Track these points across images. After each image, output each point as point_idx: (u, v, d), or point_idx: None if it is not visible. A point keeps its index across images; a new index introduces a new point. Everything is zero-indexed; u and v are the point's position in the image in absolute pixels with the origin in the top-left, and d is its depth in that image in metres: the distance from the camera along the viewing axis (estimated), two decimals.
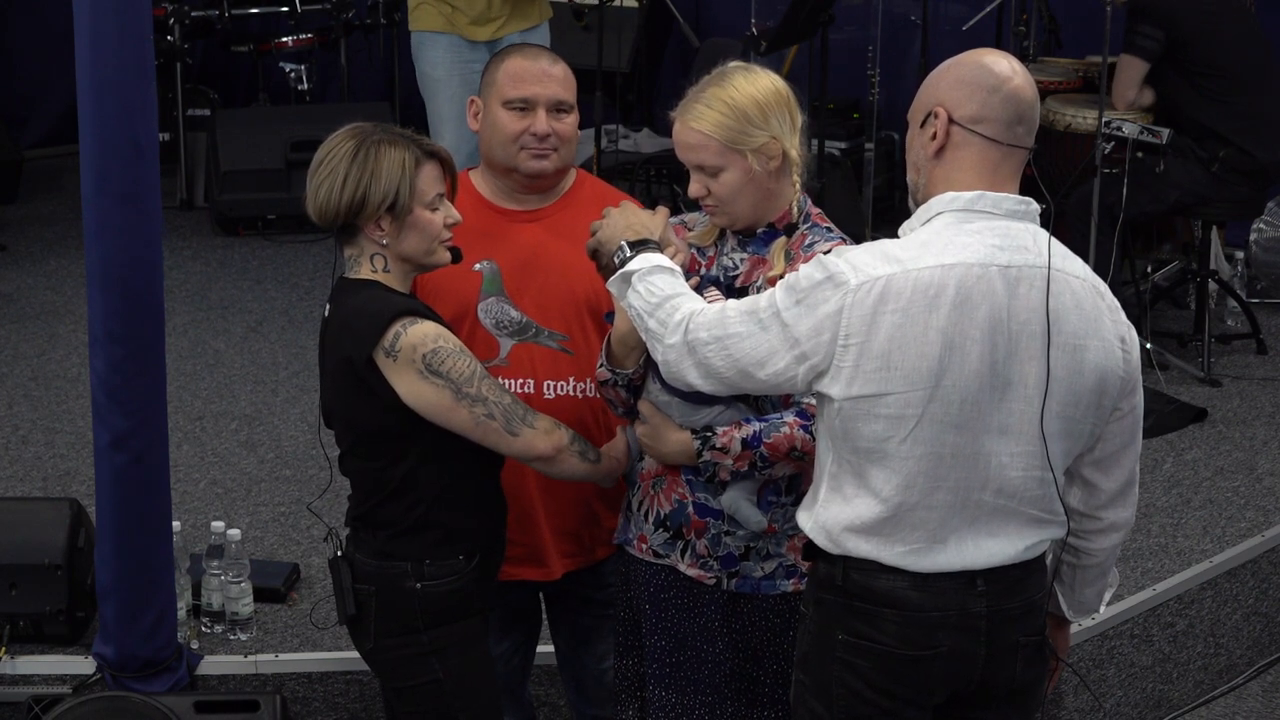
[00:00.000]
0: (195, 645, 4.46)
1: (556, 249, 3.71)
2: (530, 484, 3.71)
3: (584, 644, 3.98)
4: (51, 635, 4.44)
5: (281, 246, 7.70)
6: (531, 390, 3.69)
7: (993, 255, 2.98)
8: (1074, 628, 4.16)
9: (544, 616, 4.05)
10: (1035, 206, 3.08)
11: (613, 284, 3.27)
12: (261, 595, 4.61)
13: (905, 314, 2.94)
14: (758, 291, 3.28)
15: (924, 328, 2.94)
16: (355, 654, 3.67)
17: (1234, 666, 5.12)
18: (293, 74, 8.51)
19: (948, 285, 2.95)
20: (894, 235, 3.09)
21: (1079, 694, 4.63)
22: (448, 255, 3.47)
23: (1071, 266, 3.06)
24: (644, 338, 3.21)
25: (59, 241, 7.64)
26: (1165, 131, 6.20)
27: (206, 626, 4.53)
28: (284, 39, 8.61)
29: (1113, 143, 6.25)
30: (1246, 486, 5.49)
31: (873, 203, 7.53)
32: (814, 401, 3.18)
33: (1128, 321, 3.13)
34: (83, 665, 4.36)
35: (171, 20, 8.13)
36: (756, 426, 3.36)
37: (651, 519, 3.52)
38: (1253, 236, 7.11)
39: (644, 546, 3.54)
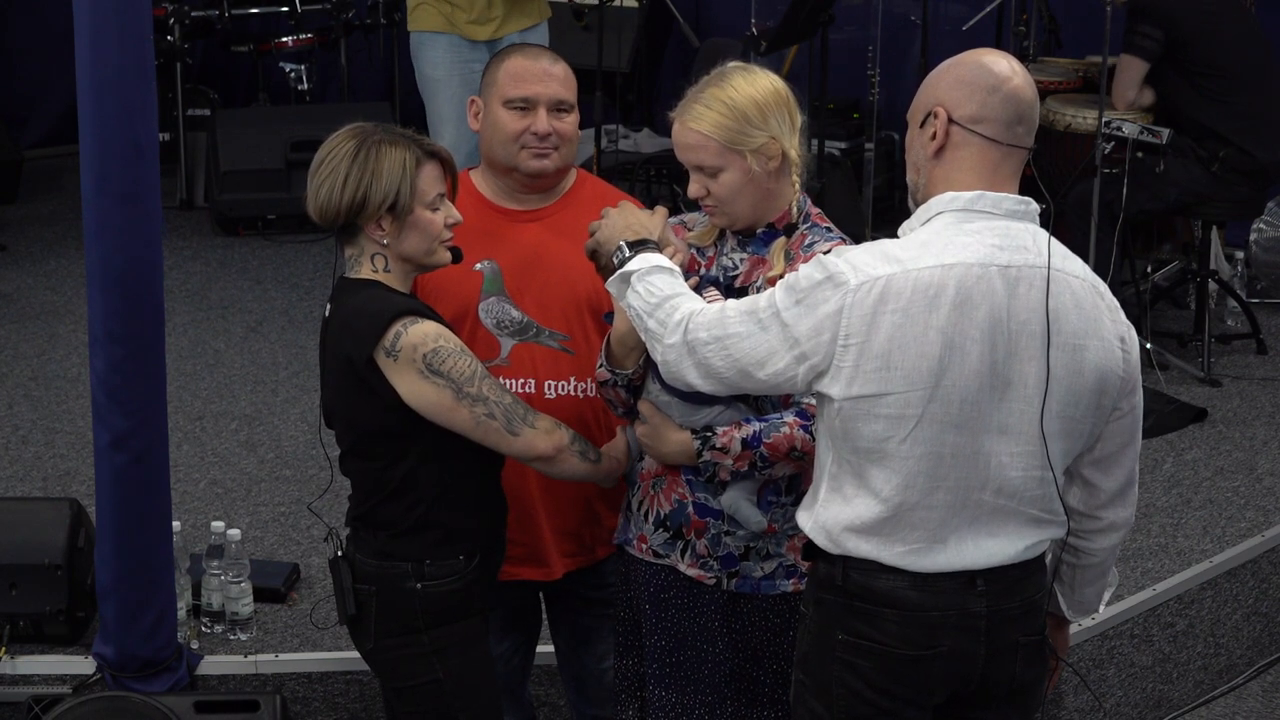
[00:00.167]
0: (195, 645, 4.46)
1: (557, 248, 3.71)
2: (531, 484, 3.71)
3: (584, 644, 3.98)
4: (51, 635, 4.44)
5: (281, 246, 7.70)
6: (532, 390, 3.69)
7: (992, 255, 2.98)
8: (1074, 628, 4.17)
9: (544, 616, 4.05)
10: (1035, 206, 3.08)
11: (612, 284, 3.27)
12: (261, 595, 4.61)
13: (905, 314, 2.94)
14: (757, 291, 3.28)
15: (924, 328, 2.94)
16: (355, 654, 3.67)
17: (1234, 666, 5.12)
18: (293, 74, 8.51)
19: (947, 285, 2.95)
20: (894, 235, 3.09)
21: (1079, 694, 4.64)
22: (448, 255, 3.47)
23: (1071, 266, 3.06)
24: (643, 338, 3.21)
25: (59, 241, 7.64)
26: (1165, 131, 6.20)
27: (206, 626, 4.53)
28: (284, 39, 8.61)
29: (1113, 143, 6.25)
30: (1246, 486, 5.49)
31: (873, 203, 7.53)
32: (814, 401, 3.18)
33: (1127, 321, 3.13)
34: (83, 665, 4.36)
35: (171, 20, 8.13)
36: (756, 426, 3.36)
37: (651, 519, 3.52)
38: (1253, 236, 7.11)
39: (644, 546, 3.54)
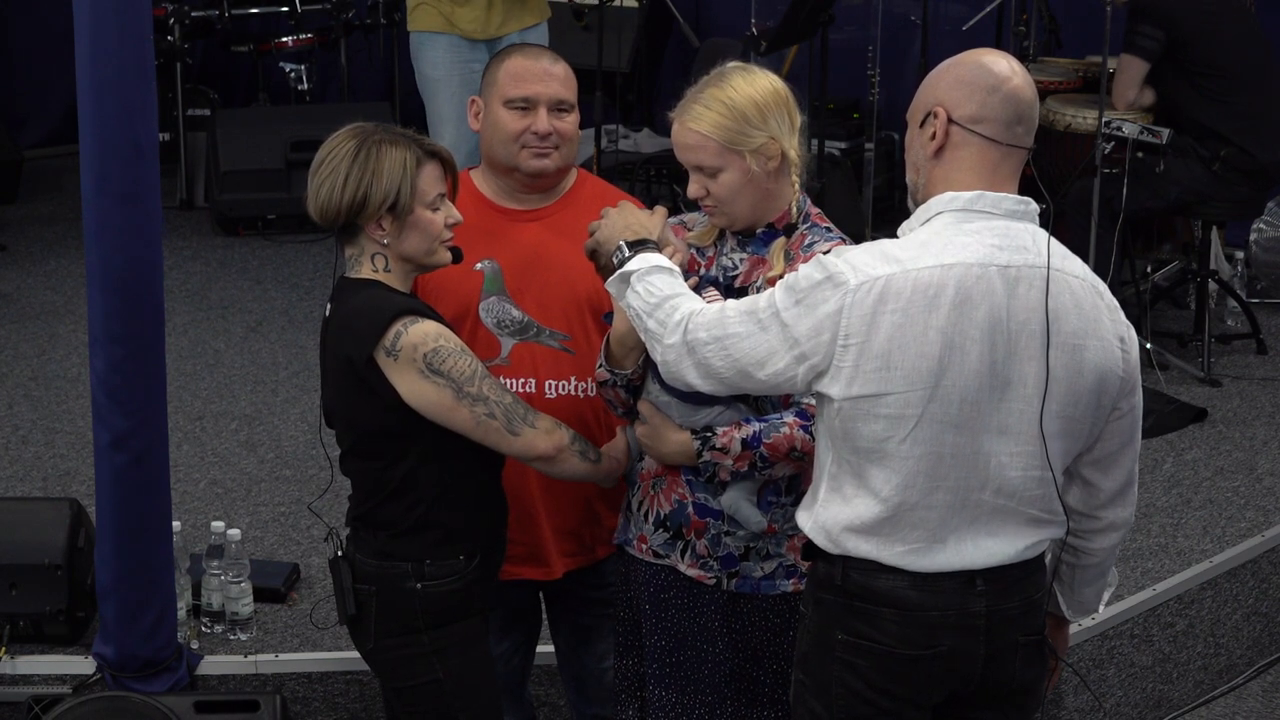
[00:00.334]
0: (195, 645, 4.46)
1: (558, 248, 3.71)
2: (531, 483, 3.71)
3: (584, 643, 3.98)
4: (51, 635, 4.44)
5: (281, 246, 7.70)
6: (533, 390, 3.69)
7: (992, 255, 2.98)
8: (1073, 627, 4.16)
9: (544, 616, 4.05)
10: (1034, 206, 3.08)
11: (611, 284, 3.27)
12: (261, 595, 4.61)
13: (905, 314, 2.94)
14: (757, 292, 3.28)
15: (923, 328, 2.94)
16: (355, 654, 3.67)
17: (1234, 666, 5.12)
18: (293, 74, 8.51)
19: (947, 285, 2.95)
20: (894, 235, 3.09)
21: (1079, 694, 4.63)
22: (448, 255, 3.47)
23: (1071, 266, 3.06)
24: (643, 338, 3.21)
25: (59, 241, 7.64)
26: (1165, 131, 6.20)
27: (206, 626, 4.53)
28: (284, 39, 8.61)
29: (1113, 143, 6.25)
30: (1246, 486, 5.49)
31: (873, 203, 7.53)
32: (813, 402, 3.18)
33: (1127, 321, 3.13)
34: (83, 665, 4.36)
35: (171, 20, 8.13)
36: (756, 427, 3.36)
37: (651, 519, 3.52)
38: (1253, 236, 7.11)
39: (644, 546, 3.54)
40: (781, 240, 3.42)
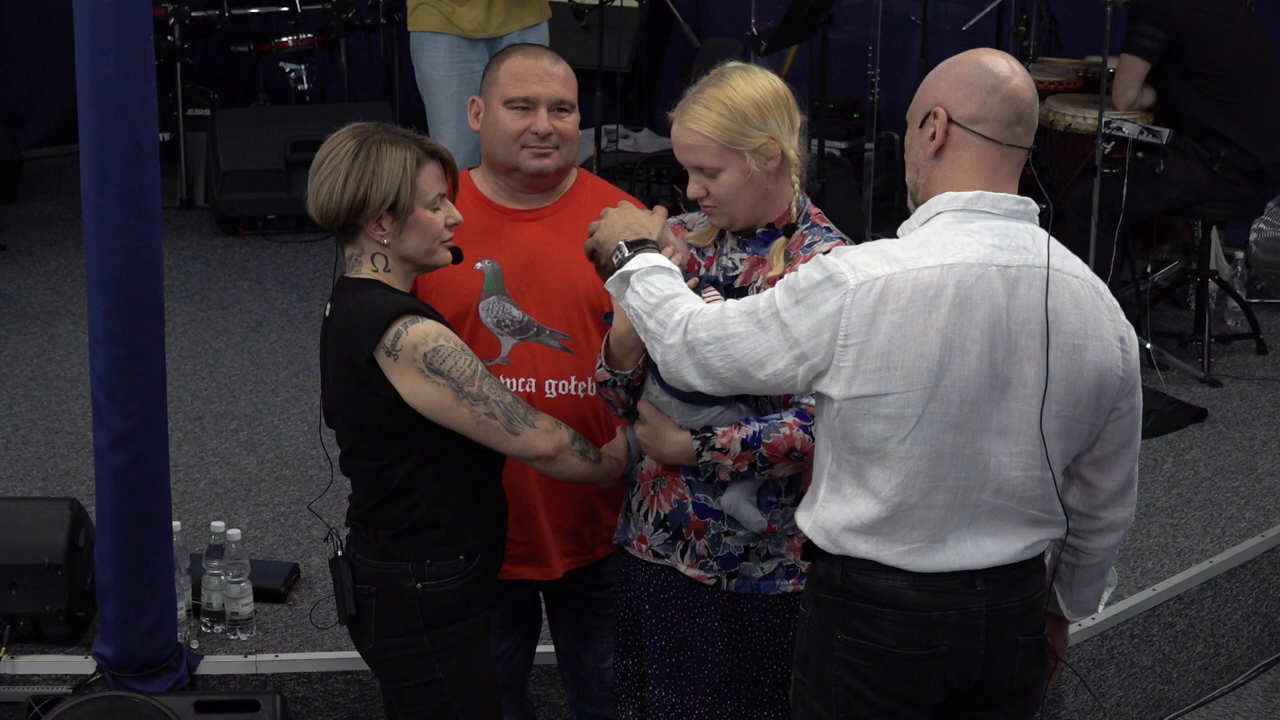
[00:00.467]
0: (195, 645, 4.46)
1: (558, 248, 3.71)
2: (532, 483, 3.71)
3: (584, 643, 3.98)
4: (51, 635, 4.44)
5: (281, 246, 7.70)
6: (533, 389, 3.69)
7: (992, 255, 2.98)
8: (1073, 627, 4.17)
9: (544, 616, 4.05)
10: (1034, 206, 3.08)
11: (611, 284, 3.27)
12: (261, 595, 4.61)
13: (905, 314, 2.94)
14: (757, 292, 3.28)
15: (923, 327, 2.94)
16: (355, 654, 3.67)
17: (1234, 666, 5.12)
18: (293, 74, 8.51)
19: (947, 285, 2.95)
20: (894, 235, 3.09)
21: (1079, 694, 4.63)
22: (448, 255, 3.47)
23: (1070, 266, 3.06)
24: (643, 338, 3.21)
25: (59, 241, 7.64)
26: (1165, 131, 6.21)
27: (206, 626, 4.53)
28: (284, 39, 8.62)
29: (1113, 143, 6.25)
30: (1246, 486, 5.49)
31: (873, 203, 7.53)
32: (813, 402, 3.18)
33: (1126, 321, 3.13)
34: (83, 665, 4.36)
35: (171, 20, 8.13)
36: (756, 427, 3.36)
37: (651, 519, 3.52)
38: (1253, 236, 7.11)
39: (644, 547, 3.54)
40: (781, 240, 3.42)
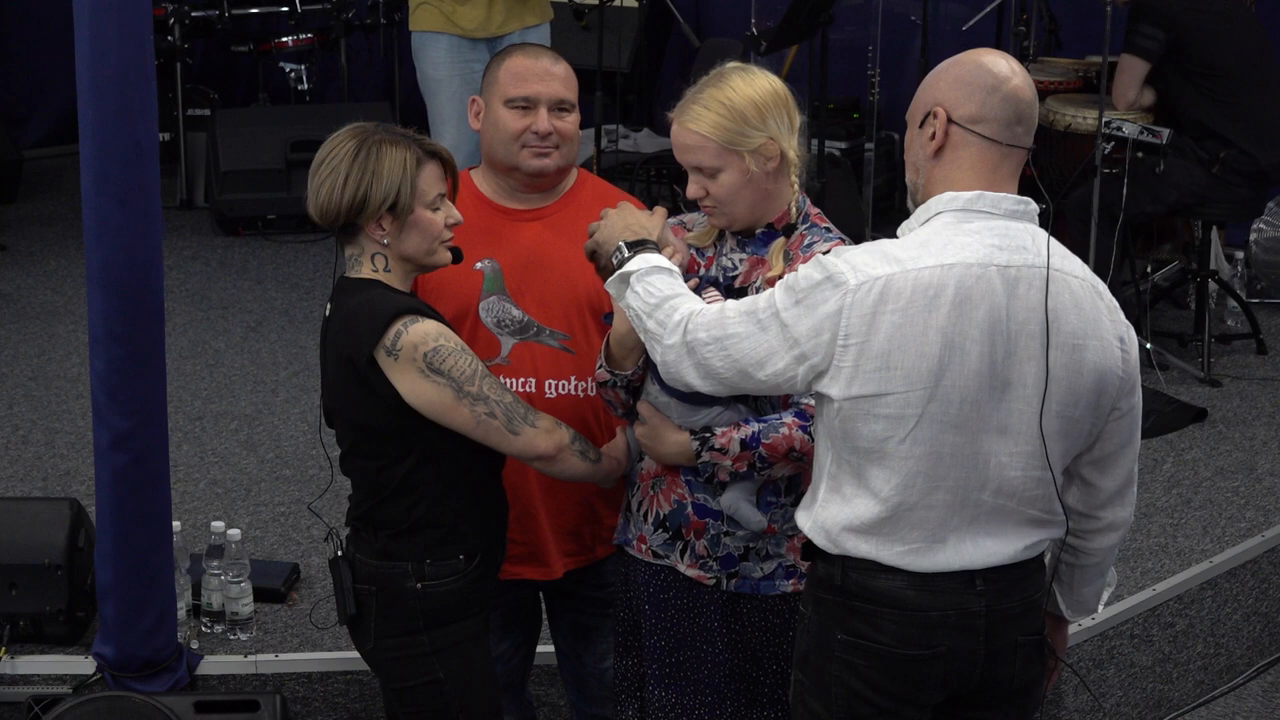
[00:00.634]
0: (195, 645, 4.46)
1: (558, 248, 3.71)
2: (532, 483, 3.71)
3: (584, 643, 3.98)
4: (51, 635, 4.44)
5: (281, 246, 7.70)
6: (533, 389, 3.69)
7: (992, 255, 2.98)
8: (1073, 627, 4.17)
9: (544, 616, 4.05)
10: (1034, 206, 3.08)
11: (611, 285, 3.27)
12: (261, 595, 4.61)
13: (905, 314, 2.94)
14: (756, 292, 3.28)
15: (923, 327, 2.94)
16: (355, 654, 3.67)
17: (1234, 666, 5.12)
18: (293, 74, 8.51)
19: (947, 285, 2.95)
20: (894, 235, 3.09)
21: (1079, 694, 4.63)
22: (448, 255, 3.47)
23: (1070, 266, 3.06)
24: (642, 338, 3.21)
25: (59, 241, 7.65)
26: (1165, 131, 6.21)
27: (206, 626, 4.53)
28: (284, 39, 8.62)
29: (1113, 143, 6.25)
30: (1246, 486, 5.49)
31: (873, 203, 7.53)
32: (812, 402, 3.18)
33: (1126, 321, 3.13)
34: (83, 665, 4.36)
35: (171, 20, 8.13)
36: (755, 427, 3.36)
37: (651, 519, 3.52)
38: (1253, 236, 7.11)
39: (643, 547, 3.54)
40: (781, 240, 3.42)
